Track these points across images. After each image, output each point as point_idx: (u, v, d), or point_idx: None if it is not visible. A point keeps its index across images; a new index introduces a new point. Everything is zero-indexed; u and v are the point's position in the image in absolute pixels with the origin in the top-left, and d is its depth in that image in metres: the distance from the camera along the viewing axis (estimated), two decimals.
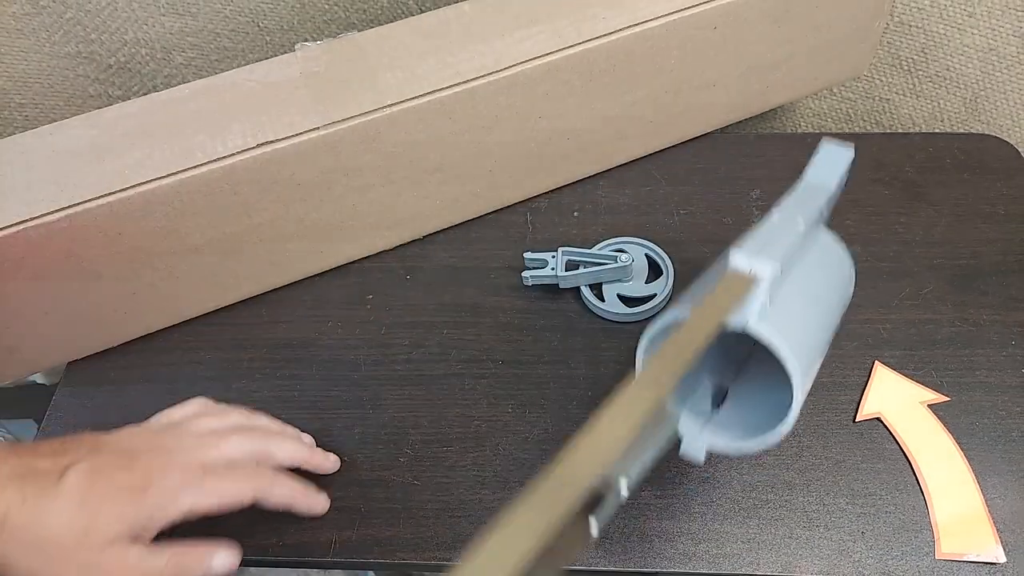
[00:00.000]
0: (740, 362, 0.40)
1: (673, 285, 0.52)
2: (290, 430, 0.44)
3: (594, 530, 0.25)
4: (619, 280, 0.52)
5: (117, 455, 0.36)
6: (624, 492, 0.27)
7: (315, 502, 0.42)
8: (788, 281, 0.34)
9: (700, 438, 0.36)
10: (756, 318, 0.31)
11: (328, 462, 0.45)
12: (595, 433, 0.24)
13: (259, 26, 0.64)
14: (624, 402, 0.26)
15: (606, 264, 0.51)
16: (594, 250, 0.53)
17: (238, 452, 0.39)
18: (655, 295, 0.52)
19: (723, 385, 0.39)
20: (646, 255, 0.54)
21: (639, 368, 0.37)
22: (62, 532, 0.33)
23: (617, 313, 0.51)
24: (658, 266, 0.53)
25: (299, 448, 0.43)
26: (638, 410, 0.25)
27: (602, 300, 0.52)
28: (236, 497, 0.38)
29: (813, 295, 0.37)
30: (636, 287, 0.52)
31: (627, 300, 0.52)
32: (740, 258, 0.32)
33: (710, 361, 0.41)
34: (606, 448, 0.24)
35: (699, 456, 0.36)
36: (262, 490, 0.38)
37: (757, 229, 0.35)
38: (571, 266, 0.52)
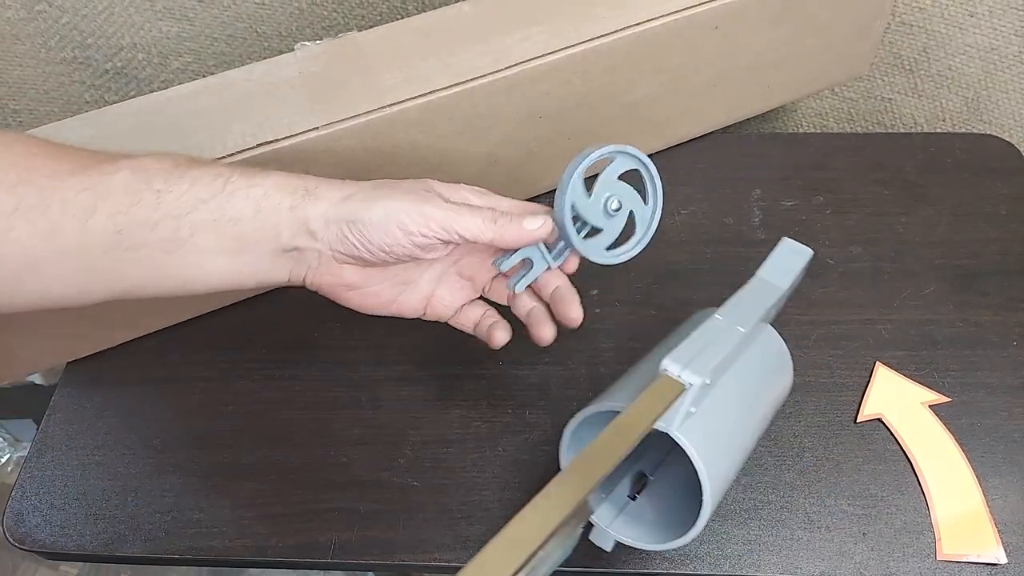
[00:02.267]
0: (662, 453, 0.41)
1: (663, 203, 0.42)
2: None
3: None
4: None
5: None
6: None
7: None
8: (719, 384, 0.36)
9: (611, 528, 0.37)
10: (678, 425, 0.33)
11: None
12: (505, 537, 0.24)
13: (257, 31, 0.64)
14: (544, 503, 0.26)
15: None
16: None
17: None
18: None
19: (643, 473, 0.40)
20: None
21: (563, 464, 0.38)
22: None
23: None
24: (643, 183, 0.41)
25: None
26: (557, 513, 0.25)
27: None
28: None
29: (743, 397, 0.39)
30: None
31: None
32: (672, 366, 0.34)
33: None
34: (516, 554, 0.24)
35: (607, 546, 0.38)
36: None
37: (697, 333, 0.36)
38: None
